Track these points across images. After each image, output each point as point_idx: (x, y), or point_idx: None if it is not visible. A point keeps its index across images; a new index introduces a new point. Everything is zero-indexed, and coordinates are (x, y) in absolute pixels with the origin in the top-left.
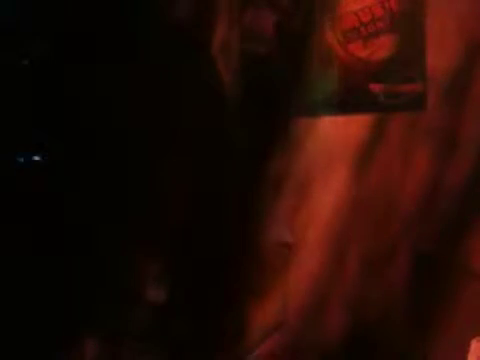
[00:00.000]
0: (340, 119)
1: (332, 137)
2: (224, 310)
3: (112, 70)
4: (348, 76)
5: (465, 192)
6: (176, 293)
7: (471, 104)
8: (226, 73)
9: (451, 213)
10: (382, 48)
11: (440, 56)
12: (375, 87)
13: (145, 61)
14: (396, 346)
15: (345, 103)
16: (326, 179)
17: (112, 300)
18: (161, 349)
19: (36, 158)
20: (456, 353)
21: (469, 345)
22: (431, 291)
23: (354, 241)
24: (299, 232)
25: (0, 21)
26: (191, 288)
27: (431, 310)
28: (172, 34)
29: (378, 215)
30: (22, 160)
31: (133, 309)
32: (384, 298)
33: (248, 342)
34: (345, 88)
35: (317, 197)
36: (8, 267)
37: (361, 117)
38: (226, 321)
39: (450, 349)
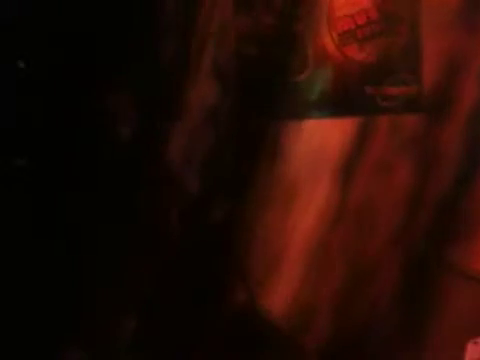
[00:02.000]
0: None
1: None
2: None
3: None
4: (343, 78)
5: (450, 197)
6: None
7: (458, 114)
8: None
9: (438, 217)
10: (377, 51)
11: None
12: (370, 90)
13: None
14: (387, 352)
15: (340, 105)
16: (311, 189)
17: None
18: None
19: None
20: (450, 356)
21: (465, 348)
22: (424, 295)
23: (340, 249)
24: (284, 241)
25: None
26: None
27: (424, 314)
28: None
29: (364, 223)
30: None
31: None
32: (372, 305)
33: None
34: (340, 90)
35: (302, 206)
36: None
37: (345, 124)
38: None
39: (444, 352)
